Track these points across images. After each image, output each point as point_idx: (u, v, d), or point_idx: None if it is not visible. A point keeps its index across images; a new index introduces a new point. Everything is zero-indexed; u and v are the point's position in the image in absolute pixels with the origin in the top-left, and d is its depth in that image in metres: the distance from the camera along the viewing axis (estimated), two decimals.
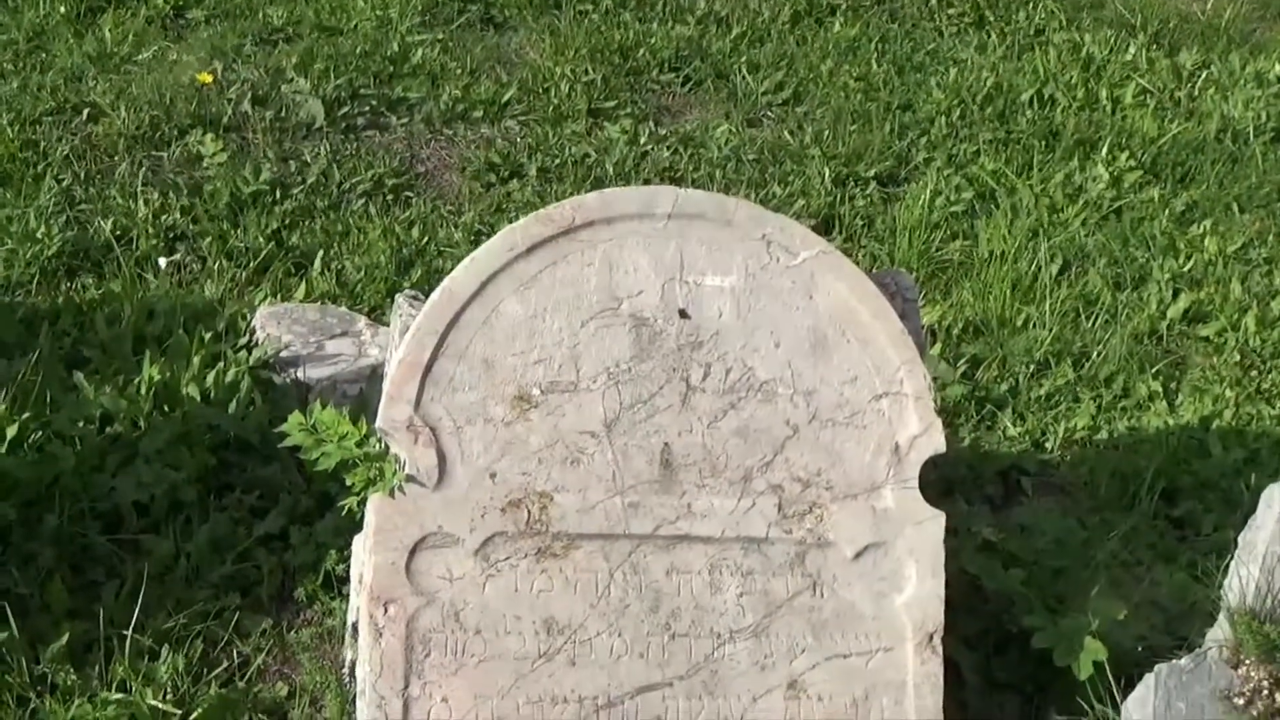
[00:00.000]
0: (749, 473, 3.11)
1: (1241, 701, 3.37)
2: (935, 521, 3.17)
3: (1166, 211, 5.84)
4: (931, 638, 3.14)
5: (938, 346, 4.80)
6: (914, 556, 3.16)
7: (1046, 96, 6.63)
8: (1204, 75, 6.87)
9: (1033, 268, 5.25)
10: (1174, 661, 3.41)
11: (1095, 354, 4.89)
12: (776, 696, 3.09)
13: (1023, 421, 4.59)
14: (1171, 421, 4.59)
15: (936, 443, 3.19)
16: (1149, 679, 3.38)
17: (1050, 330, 4.93)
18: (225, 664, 3.34)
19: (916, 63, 6.70)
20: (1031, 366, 4.82)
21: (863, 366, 3.17)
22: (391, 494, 2.96)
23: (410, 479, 2.98)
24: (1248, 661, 3.38)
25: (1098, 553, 3.82)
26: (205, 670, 3.31)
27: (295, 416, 3.13)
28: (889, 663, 3.13)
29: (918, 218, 5.44)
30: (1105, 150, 6.25)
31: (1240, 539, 3.61)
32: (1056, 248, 5.51)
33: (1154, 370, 4.85)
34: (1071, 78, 6.73)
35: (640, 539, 3.06)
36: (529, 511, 3.02)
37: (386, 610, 2.96)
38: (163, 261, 4.40)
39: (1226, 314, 5.19)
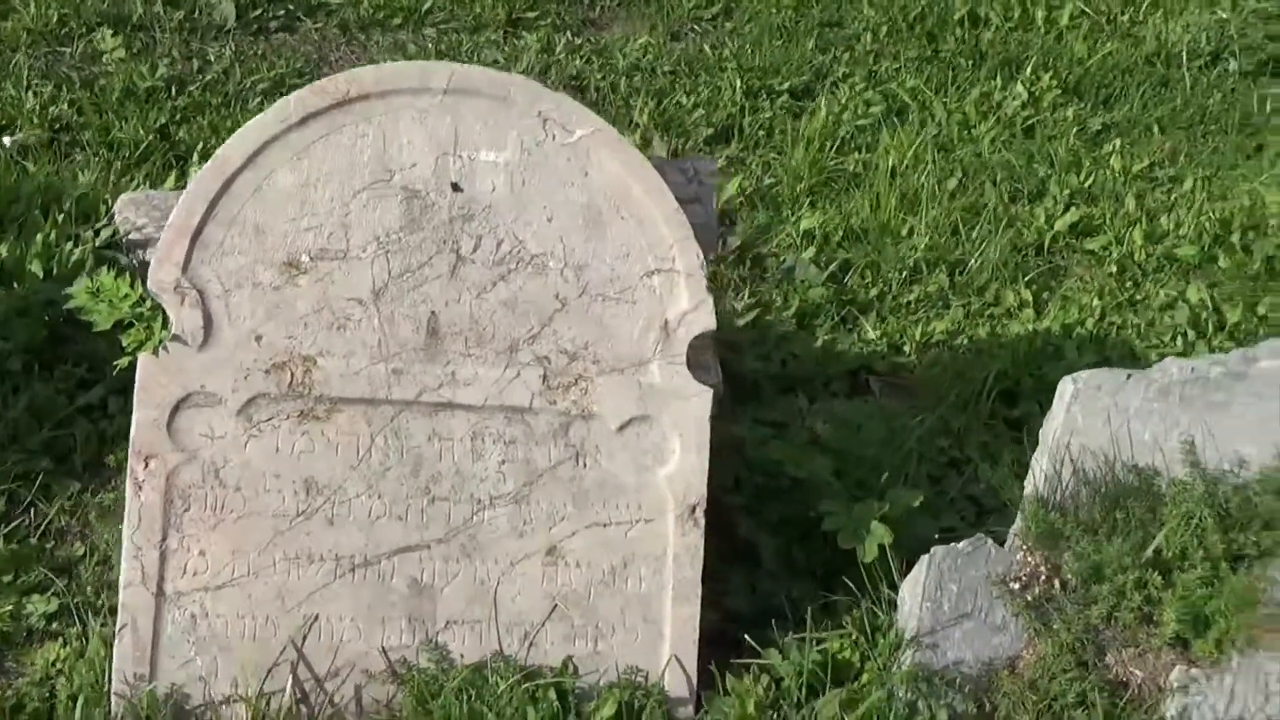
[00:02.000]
0: (515, 344, 3.17)
1: (1017, 586, 3.41)
2: (701, 398, 3.21)
3: (1078, 130, 5.80)
4: (694, 510, 3.20)
5: (811, 250, 4.82)
6: (678, 431, 3.21)
7: (980, 16, 6.57)
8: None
9: (923, 179, 5.24)
10: (952, 545, 3.44)
11: (972, 262, 4.89)
12: (535, 562, 3.16)
13: (884, 325, 4.60)
14: (1034, 328, 4.60)
15: (706, 320, 3.23)
16: (923, 560, 3.43)
17: (927, 239, 4.93)
18: (25, 521, 3.44)
19: None
20: (904, 273, 4.82)
21: (636, 243, 3.21)
22: (156, 353, 3.04)
23: (176, 339, 3.05)
24: (1025, 547, 3.41)
25: (910, 444, 3.85)
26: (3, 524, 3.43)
27: (83, 281, 3.22)
28: (649, 533, 3.19)
29: (817, 129, 5.44)
30: (1029, 70, 6.20)
31: (1040, 432, 3.64)
32: (956, 162, 5.49)
33: (1027, 279, 4.85)
34: None
35: (403, 405, 3.13)
36: (292, 374, 3.10)
37: (147, 465, 3.05)
38: (6, 140, 4.50)
39: (1115, 228, 5.17)
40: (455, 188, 3.15)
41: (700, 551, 3.17)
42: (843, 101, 5.80)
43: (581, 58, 5.83)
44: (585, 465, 3.16)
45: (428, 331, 3.13)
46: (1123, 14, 6.67)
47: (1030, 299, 4.78)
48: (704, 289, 3.21)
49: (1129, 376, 3.49)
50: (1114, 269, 4.93)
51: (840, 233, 4.97)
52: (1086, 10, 6.66)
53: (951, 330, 4.58)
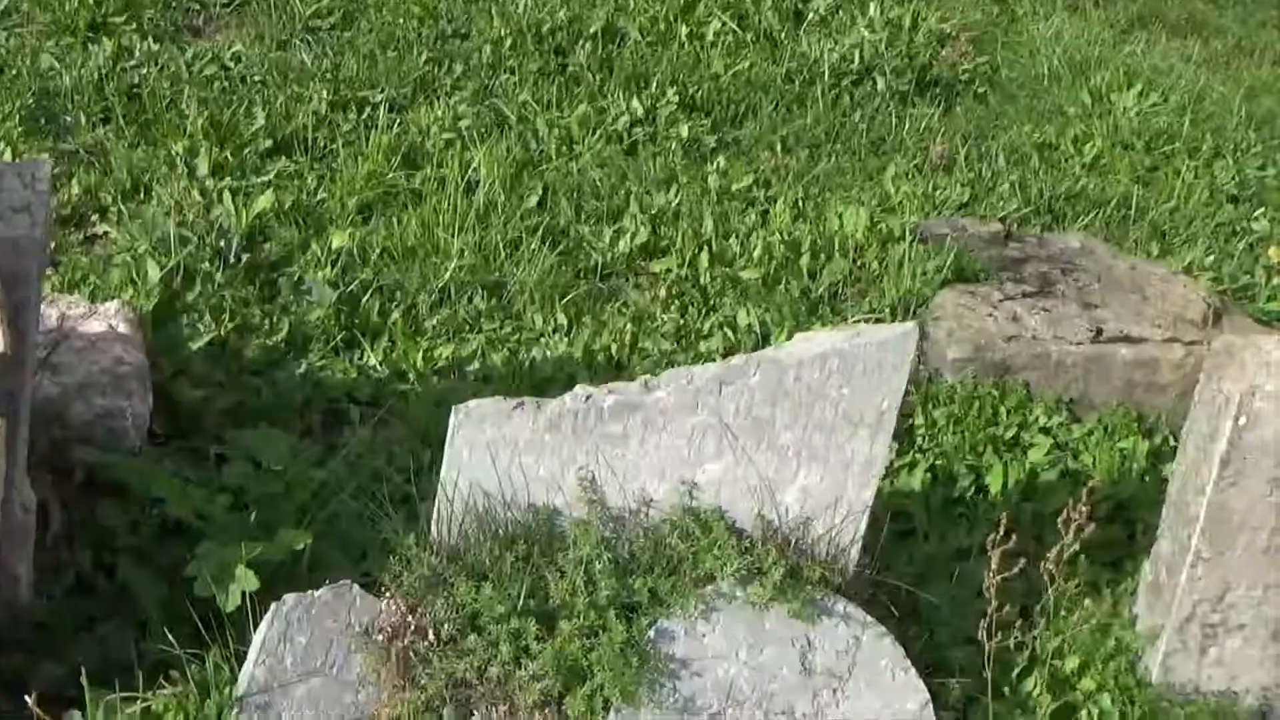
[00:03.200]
0: None
1: (382, 637, 3.06)
2: None
3: (688, 147, 5.52)
4: None
5: (329, 270, 4.47)
6: None
7: (617, 30, 6.27)
8: (816, 16, 6.56)
9: (492, 197, 4.91)
10: (311, 593, 3.09)
11: (511, 285, 4.56)
12: None
13: (393, 350, 4.25)
14: (550, 353, 4.28)
15: None
16: (272, 610, 3.06)
17: (471, 260, 4.59)
18: None
19: None
20: (433, 295, 4.48)
21: None
22: None
23: None
24: (393, 594, 3.07)
25: (324, 478, 3.50)
26: None
27: None
28: None
29: (380, 144, 5.10)
30: (654, 85, 5.92)
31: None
32: (538, 179, 5.18)
33: (564, 302, 4.52)
34: (653, 12, 6.38)
35: None
36: None
37: None
38: None
39: (685, 250, 4.87)
40: None
41: None
42: (438, 115, 5.44)
43: (157, 66, 5.42)
44: None
45: None
46: (779, 31, 6.37)
47: (565, 323, 4.45)
48: None
49: (517, 406, 3.15)
50: (664, 293, 4.60)
51: (379, 251, 4.60)
52: (734, 27, 6.38)
53: (464, 356, 4.24)
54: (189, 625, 3.17)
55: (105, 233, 4.52)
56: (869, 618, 3.20)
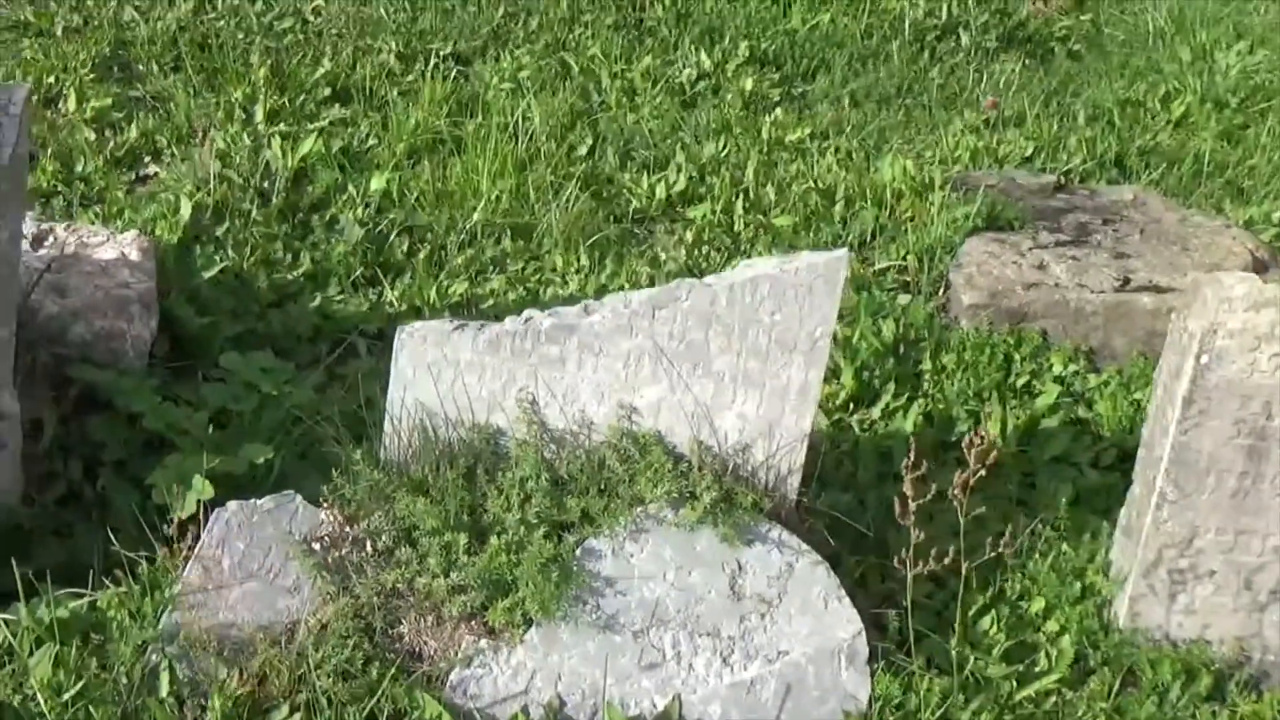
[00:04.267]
0: None
1: (318, 546, 3.18)
2: None
3: (743, 100, 5.53)
4: None
5: (358, 211, 4.61)
6: None
7: None
8: None
9: (541, 146, 5.01)
10: (254, 501, 3.23)
11: (540, 227, 4.66)
12: None
13: (411, 286, 4.38)
14: (565, 292, 4.37)
15: None
16: (214, 515, 3.21)
17: (504, 204, 4.70)
18: None
19: None
20: (463, 236, 4.60)
21: None
22: None
23: None
24: (327, 505, 3.19)
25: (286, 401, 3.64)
26: None
27: None
28: None
29: (442, 93, 5.23)
30: (727, 40, 5.95)
31: None
32: (587, 128, 5.26)
33: (589, 244, 4.60)
34: None
35: None
36: None
37: None
38: None
39: (722, 197, 4.90)
40: None
41: None
42: (502, 66, 5.55)
43: (235, 19, 5.64)
44: None
45: None
46: None
47: (587, 264, 4.52)
48: None
49: (458, 327, 3.24)
50: (690, 237, 4.64)
51: (416, 195, 4.74)
52: None
53: (481, 293, 4.34)
54: (159, 533, 3.30)
55: (155, 173, 4.71)
56: (804, 545, 3.21)
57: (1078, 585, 3.49)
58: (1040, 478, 3.86)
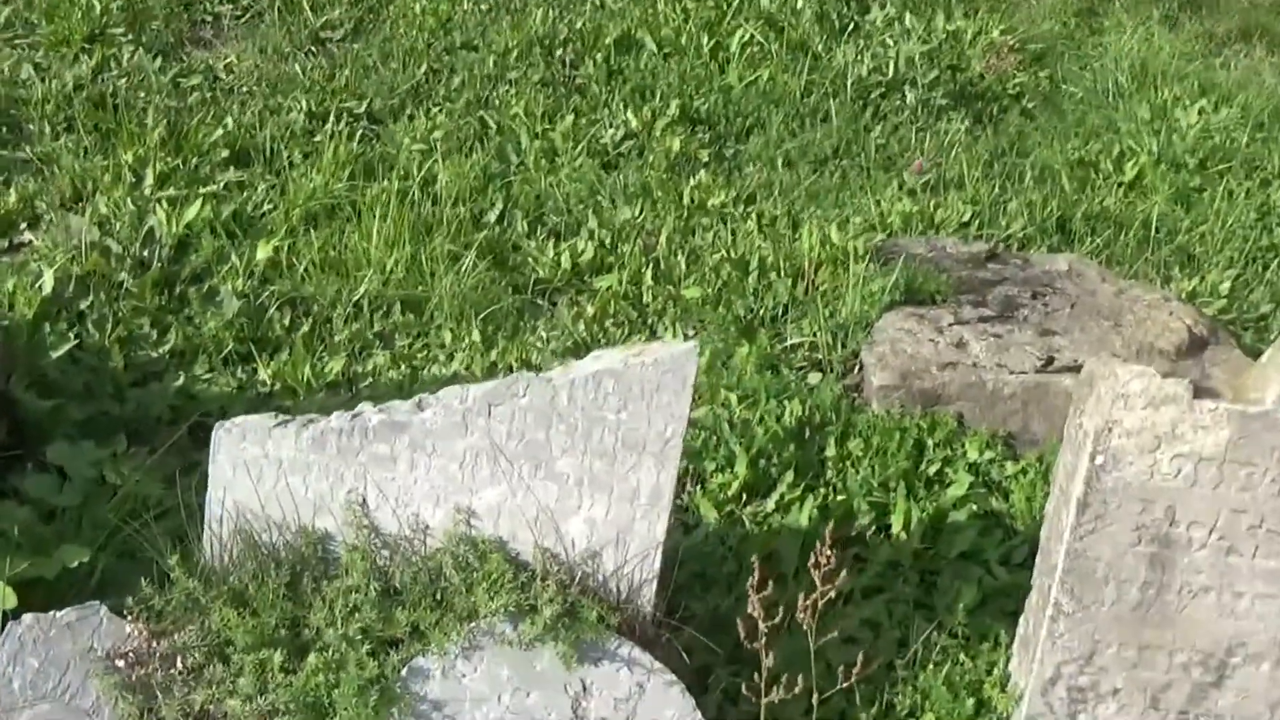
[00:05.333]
0: None
1: (123, 664, 2.90)
2: None
3: (668, 161, 5.27)
4: None
5: (240, 282, 4.34)
6: None
7: (635, 40, 6.06)
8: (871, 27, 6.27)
9: (455, 211, 4.75)
10: (53, 613, 2.95)
11: (433, 300, 4.39)
12: None
13: (286, 364, 4.11)
14: (462, 367, 4.10)
15: None
16: (6, 629, 2.93)
17: (394, 274, 4.44)
18: None
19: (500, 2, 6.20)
20: (348, 310, 4.33)
21: None
22: None
23: None
24: (132, 618, 2.91)
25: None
26: None
27: None
28: None
29: (346, 155, 4.98)
30: (657, 98, 5.69)
31: None
32: (499, 193, 5.00)
33: (480, 318, 4.33)
34: (675, 24, 6.15)
35: None
36: None
37: None
38: None
39: (630, 267, 4.63)
40: None
41: None
42: (416, 126, 5.30)
43: (138, 77, 5.40)
44: None
45: None
46: (817, 43, 6.07)
47: (479, 339, 4.25)
48: None
49: (279, 423, 2.96)
50: (591, 310, 4.37)
51: (304, 264, 4.47)
52: (761, 39, 6.10)
53: (361, 372, 4.07)
54: None
55: (29, 241, 4.46)
56: (656, 664, 2.91)
57: (971, 701, 3.19)
58: (943, 577, 3.56)
